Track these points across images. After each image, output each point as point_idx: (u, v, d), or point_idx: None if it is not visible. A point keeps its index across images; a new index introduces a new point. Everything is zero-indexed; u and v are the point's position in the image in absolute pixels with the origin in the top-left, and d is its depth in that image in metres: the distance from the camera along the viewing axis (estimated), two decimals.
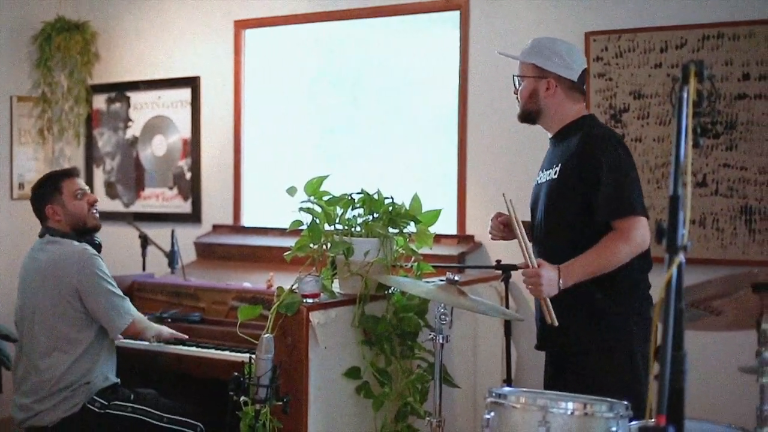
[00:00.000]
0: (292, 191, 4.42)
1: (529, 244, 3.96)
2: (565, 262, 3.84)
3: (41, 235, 4.90)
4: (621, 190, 3.85)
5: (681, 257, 2.10)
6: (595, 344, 3.97)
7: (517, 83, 4.20)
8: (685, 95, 2.23)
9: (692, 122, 2.22)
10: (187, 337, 5.21)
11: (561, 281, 3.81)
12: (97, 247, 4.92)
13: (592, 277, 3.85)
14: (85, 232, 4.92)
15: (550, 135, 4.21)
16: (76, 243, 4.81)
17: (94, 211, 4.98)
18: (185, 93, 7.09)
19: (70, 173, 5.05)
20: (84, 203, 4.93)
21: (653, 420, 2.00)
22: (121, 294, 4.81)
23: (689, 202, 2.16)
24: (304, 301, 4.16)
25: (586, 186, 3.91)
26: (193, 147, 7.05)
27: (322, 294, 4.29)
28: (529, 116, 4.18)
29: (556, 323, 3.86)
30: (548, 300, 3.87)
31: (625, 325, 3.93)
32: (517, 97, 4.20)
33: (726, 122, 5.10)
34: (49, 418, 4.67)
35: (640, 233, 3.82)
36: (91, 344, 4.73)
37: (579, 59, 4.14)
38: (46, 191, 4.93)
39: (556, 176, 4.03)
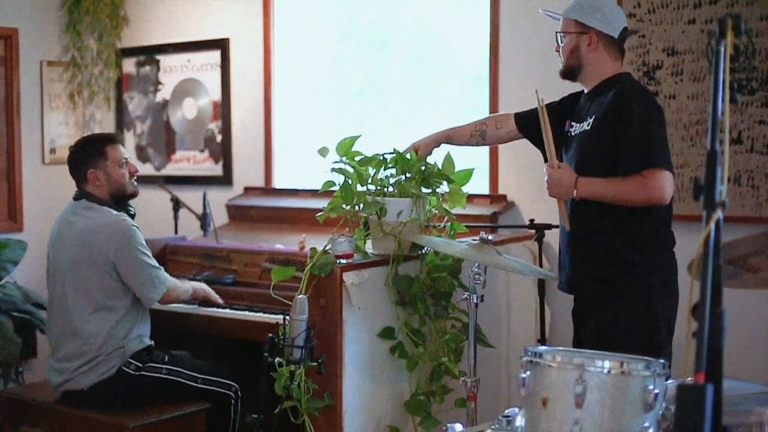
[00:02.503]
0: (324, 152, 4.41)
1: (552, 147, 4.11)
2: (589, 183, 4.01)
3: (77, 198, 4.89)
4: (648, 142, 3.94)
5: (719, 213, 2.07)
6: (614, 292, 4.07)
7: (559, 40, 4.27)
8: (722, 49, 2.20)
9: (729, 77, 2.20)
10: (222, 301, 5.23)
11: (577, 188, 4.00)
12: (132, 216, 4.91)
13: (603, 200, 4.00)
14: (123, 198, 4.91)
15: (586, 90, 4.27)
16: (113, 212, 4.80)
17: (134, 180, 4.98)
18: (215, 55, 7.07)
19: (113, 139, 4.99)
20: (126, 171, 4.91)
21: (691, 378, 1.98)
22: (155, 264, 4.81)
23: (726, 158, 2.13)
24: (338, 261, 4.17)
25: (617, 136, 3.99)
26: (223, 109, 7.04)
27: (355, 254, 4.30)
28: (571, 72, 4.26)
29: (568, 227, 4.15)
30: (563, 204, 4.13)
31: (644, 275, 4.03)
32: (560, 54, 4.27)
33: (761, 78, 5.03)
34: (85, 381, 4.70)
35: (659, 185, 3.91)
36: (127, 311, 4.75)
37: (620, 17, 4.23)
38: (90, 154, 4.88)
39: (589, 128, 4.12)
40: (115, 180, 4.87)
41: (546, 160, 4.19)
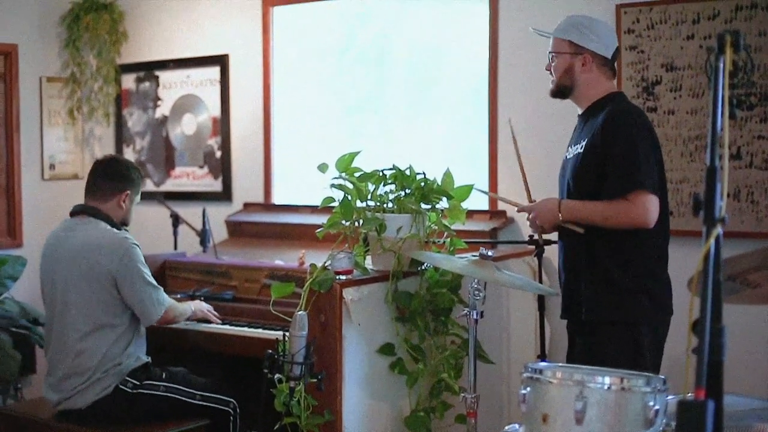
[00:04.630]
0: (323, 168, 4.42)
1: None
2: (572, 206, 4.13)
3: (78, 213, 4.89)
4: (633, 165, 3.96)
5: (719, 229, 2.07)
6: (603, 316, 4.11)
7: (550, 59, 4.28)
8: (721, 65, 2.21)
9: (728, 93, 2.20)
10: (219, 320, 5.21)
11: (560, 212, 4.12)
12: None
13: (587, 223, 4.07)
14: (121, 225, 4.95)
15: (580, 111, 4.29)
16: (116, 230, 4.81)
17: None
18: (214, 71, 7.07)
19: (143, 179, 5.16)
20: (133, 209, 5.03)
21: (692, 394, 1.97)
22: (155, 283, 4.80)
23: (726, 174, 2.13)
24: (337, 277, 4.16)
25: (605, 160, 4.02)
26: (222, 125, 7.04)
27: (354, 271, 4.29)
28: (562, 92, 4.29)
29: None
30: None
31: (633, 300, 4.06)
32: (551, 72, 4.28)
33: (760, 94, 5.04)
34: (82, 400, 4.69)
35: (642, 208, 3.94)
36: (126, 329, 4.74)
37: (612, 37, 4.27)
38: (132, 179, 4.97)
39: (581, 150, 4.14)
40: (130, 213, 4.99)
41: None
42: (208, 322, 5.20)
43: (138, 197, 5.01)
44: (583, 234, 4.08)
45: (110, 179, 4.92)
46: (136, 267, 4.71)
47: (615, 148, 3.97)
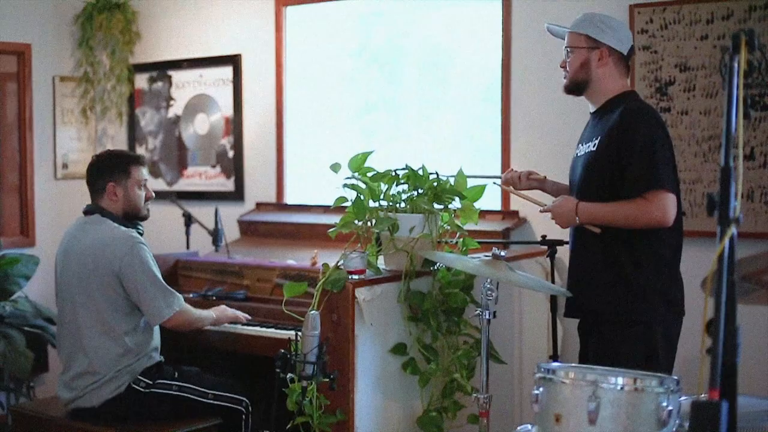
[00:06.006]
0: (336, 168, 4.41)
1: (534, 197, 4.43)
2: (589, 207, 4.06)
3: (88, 212, 4.88)
4: (651, 163, 3.92)
5: (733, 229, 2.07)
6: (616, 315, 4.07)
7: (565, 54, 4.24)
8: (736, 65, 2.20)
9: (742, 93, 2.19)
10: (249, 317, 5.18)
11: (578, 214, 4.05)
12: (140, 234, 4.88)
13: (605, 224, 4.02)
14: (134, 218, 4.91)
15: (592, 109, 4.26)
16: (123, 228, 4.79)
17: (149, 205, 4.99)
18: (227, 71, 7.08)
19: (139, 160, 5.00)
20: (143, 194, 4.93)
21: (705, 395, 1.97)
22: (165, 285, 4.77)
23: (741, 174, 2.13)
24: (350, 277, 4.16)
25: (621, 159, 3.98)
26: (235, 125, 7.05)
27: (367, 270, 4.28)
28: (577, 87, 4.23)
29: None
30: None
31: (648, 300, 4.02)
32: (565, 69, 4.24)
33: None
34: (94, 399, 4.69)
35: (661, 207, 3.90)
36: (136, 328, 4.73)
37: (628, 34, 4.23)
38: (114, 168, 4.87)
39: (594, 148, 4.11)
40: (132, 200, 4.88)
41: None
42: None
43: (131, 182, 4.87)
44: (599, 234, 4.05)
45: (94, 177, 4.90)
46: (141, 264, 4.68)
47: (633, 147, 3.93)
